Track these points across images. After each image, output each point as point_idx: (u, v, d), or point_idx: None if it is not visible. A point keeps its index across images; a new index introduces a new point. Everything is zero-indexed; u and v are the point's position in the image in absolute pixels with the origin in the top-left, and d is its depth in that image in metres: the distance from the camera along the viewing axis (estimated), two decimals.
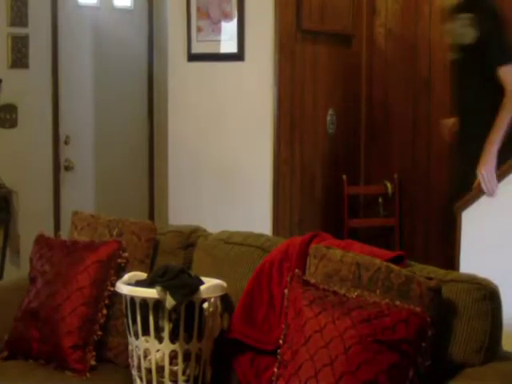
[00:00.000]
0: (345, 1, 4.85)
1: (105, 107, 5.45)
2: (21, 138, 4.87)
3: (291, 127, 4.40)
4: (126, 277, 2.60)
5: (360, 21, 5.06)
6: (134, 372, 2.47)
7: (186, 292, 2.39)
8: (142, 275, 2.64)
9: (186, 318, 2.39)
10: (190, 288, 2.41)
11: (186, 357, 2.41)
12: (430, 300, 2.15)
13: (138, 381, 2.46)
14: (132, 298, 2.43)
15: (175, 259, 2.83)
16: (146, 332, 2.42)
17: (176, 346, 2.39)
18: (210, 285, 2.47)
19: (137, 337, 2.43)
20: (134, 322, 2.43)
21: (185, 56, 4.38)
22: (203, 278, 2.53)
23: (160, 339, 2.40)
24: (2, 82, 4.69)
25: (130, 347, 2.50)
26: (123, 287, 2.48)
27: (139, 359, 2.43)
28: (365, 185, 5.23)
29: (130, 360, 2.50)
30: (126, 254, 2.84)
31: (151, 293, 2.41)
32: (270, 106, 4.17)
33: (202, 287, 2.43)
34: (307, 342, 2.14)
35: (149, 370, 2.42)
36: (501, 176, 3.76)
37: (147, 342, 2.41)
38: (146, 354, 2.41)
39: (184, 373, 2.41)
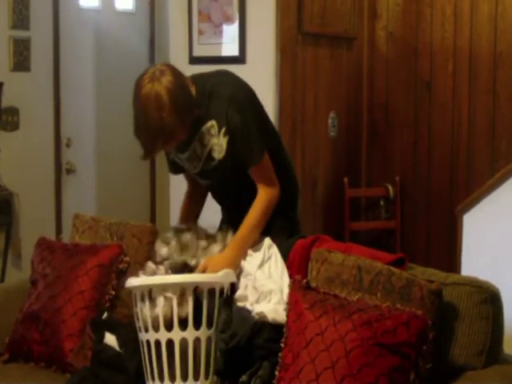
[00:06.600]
0: (346, 4, 4.86)
1: (106, 110, 5.45)
2: (22, 141, 4.87)
3: (292, 130, 4.40)
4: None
5: (361, 24, 5.06)
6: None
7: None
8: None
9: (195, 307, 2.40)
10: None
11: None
12: (431, 303, 2.15)
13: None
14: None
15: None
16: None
17: (186, 334, 2.37)
18: (226, 270, 2.49)
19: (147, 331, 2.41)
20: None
21: (186, 59, 4.37)
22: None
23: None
24: (3, 85, 4.69)
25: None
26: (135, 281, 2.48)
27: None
28: (366, 187, 5.23)
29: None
30: (127, 258, 2.85)
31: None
32: (272, 109, 4.16)
33: (221, 272, 2.46)
34: (308, 345, 2.14)
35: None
36: (502, 179, 3.77)
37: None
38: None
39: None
